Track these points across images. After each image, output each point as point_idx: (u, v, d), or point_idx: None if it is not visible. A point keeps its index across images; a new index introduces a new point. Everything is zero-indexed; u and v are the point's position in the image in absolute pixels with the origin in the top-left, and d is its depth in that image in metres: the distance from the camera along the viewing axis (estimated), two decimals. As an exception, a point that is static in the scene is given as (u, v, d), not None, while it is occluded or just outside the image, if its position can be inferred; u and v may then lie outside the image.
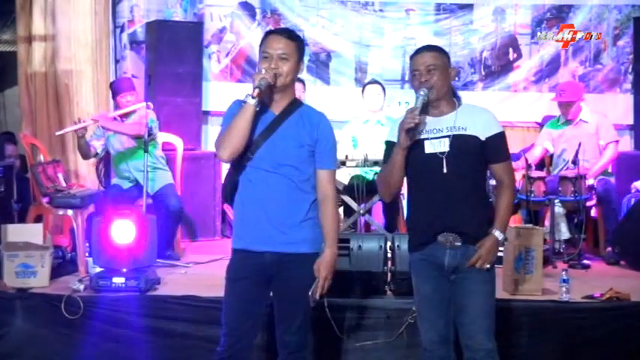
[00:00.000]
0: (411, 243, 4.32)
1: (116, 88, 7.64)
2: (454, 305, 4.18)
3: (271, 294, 4.22)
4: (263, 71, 3.98)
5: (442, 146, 4.07)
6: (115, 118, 7.33)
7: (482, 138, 4.10)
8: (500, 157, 4.18)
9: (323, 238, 4.16)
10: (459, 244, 4.09)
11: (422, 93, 4.04)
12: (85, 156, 7.53)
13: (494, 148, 4.15)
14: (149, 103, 7.25)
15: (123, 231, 5.96)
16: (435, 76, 4.09)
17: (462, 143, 4.06)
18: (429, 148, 4.09)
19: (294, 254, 4.07)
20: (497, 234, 4.13)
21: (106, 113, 7.35)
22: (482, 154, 4.13)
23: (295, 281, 4.09)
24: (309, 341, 4.29)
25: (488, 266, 4.10)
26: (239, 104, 4.05)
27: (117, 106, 7.67)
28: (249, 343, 4.20)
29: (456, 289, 4.16)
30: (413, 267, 4.33)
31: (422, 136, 4.10)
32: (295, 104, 4.14)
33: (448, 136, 4.07)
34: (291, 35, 4.12)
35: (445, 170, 4.04)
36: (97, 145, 7.54)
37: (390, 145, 4.21)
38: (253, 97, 3.93)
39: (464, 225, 4.09)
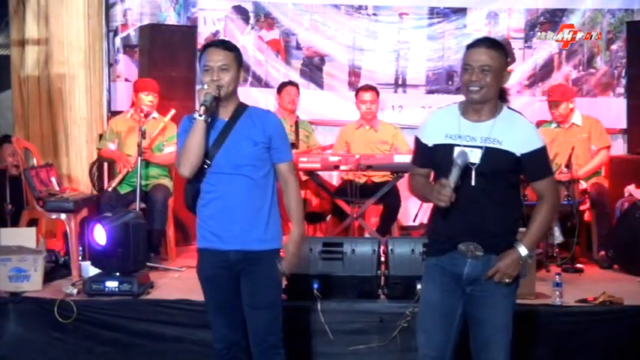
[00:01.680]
0: (429, 247, 4.12)
1: (141, 85, 7.75)
2: (470, 318, 3.96)
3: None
4: (205, 87, 4.15)
5: (473, 157, 3.79)
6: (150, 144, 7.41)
7: (518, 154, 3.81)
8: (539, 174, 3.91)
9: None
10: (481, 253, 3.83)
11: (459, 162, 3.73)
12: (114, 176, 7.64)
13: (533, 165, 3.87)
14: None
15: (100, 234, 5.94)
16: (488, 78, 3.81)
17: (494, 158, 3.79)
18: None
19: (258, 251, 4.19)
20: (521, 249, 3.87)
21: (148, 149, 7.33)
22: (517, 169, 3.87)
23: (261, 275, 4.21)
24: (282, 337, 4.32)
25: (508, 281, 3.87)
26: (189, 120, 4.21)
27: (133, 103, 7.78)
28: (241, 337, 4.32)
29: (472, 301, 3.92)
30: (426, 272, 4.07)
31: (453, 142, 3.84)
32: (242, 108, 4.28)
33: (481, 147, 3.80)
34: (229, 46, 4.26)
35: (473, 183, 3.78)
36: (113, 147, 7.65)
37: (418, 145, 4.03)
38: (200, 115, 4.09)
39: (488, 237, 3.84)
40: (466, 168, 3.78)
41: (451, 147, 3.84)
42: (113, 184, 7.40)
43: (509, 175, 3.89)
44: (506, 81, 3.96)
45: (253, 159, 4.17)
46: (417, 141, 4.06)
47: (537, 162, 3.90)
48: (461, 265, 3.91)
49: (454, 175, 3.73)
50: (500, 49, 3.92)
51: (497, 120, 3.87)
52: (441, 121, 3.96)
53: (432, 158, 3.95)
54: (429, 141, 3.95)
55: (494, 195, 3.85)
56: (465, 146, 3.82)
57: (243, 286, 4.24)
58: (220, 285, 4.26)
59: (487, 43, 3.93)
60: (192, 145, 4.11)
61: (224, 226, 4.18)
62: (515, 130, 3.87)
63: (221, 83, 4.15)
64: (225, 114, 4.24)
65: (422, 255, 5.57)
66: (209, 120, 4.14)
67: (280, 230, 4.33)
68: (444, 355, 3.98)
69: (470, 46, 3.95)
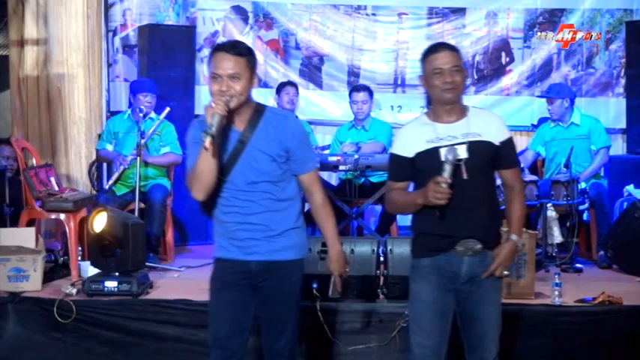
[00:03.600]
0: (420, 248, 4.08)
1: (137, 86, 7.75)
2: (464, 314, 4.05)
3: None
4: (212, 105, 3.76)
5: (460, 153, 3.88)
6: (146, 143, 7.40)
7: (497, 143, 3.98)
8: (510, 162, 4.08)
9: (308, 241, 4.22)
10: (480, 247, 3.93)
11: (450, 158, 3.81)
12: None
13: (507, 153, 4.04)
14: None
15: (100, 221, 5.96)
16: (459, 78, 3.95)
17: (478, 149, 3.92)
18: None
19: (279, 262, 3.97)
20: (516, 239, 4.03)
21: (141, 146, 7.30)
22: (495, 159, 4.01)
23: (281, 288, 4.02)
24: (297, 351, 4.19)
25: (506, 273, 4.02)
26: (200, 129, 3.82)
27: (132, 104, 7.76)
28: (240, 356, 4.08)
29: (468, 299, 4.01)
30: (417, 272, 4.07)
31: (436, 145, 3.92)
32: (258, 114, 3.93)
33: (464, 143, 3.91)
34: (240, 51, 3.84)
35: (465, 176, 3.85)
36: (110, 148, 7.65)
37: (397, 160, 4.07)
38: (207, 148, 3.71)
39: (484, 232, 3.96)
40: (456, 164, 3.85)
41: (436, 150, 3.93)
42: (110, 182, 7.41)
43: (491, 166, 4.03)
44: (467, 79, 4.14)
45: (271, 175, 3.90)
46: (394, 156, 4.09)
47: (510, 151, 4.07)
48: (458, 264, 3.96)
49: (447, 172, 3.81)
50: (459, 50, 4.07)
51: (470, 117, 4.01)
52: (416, 131, 4.04)
53: (414, 168, 4.01)
54: (410, 152, 4.01)
55: (484, 188, 3.98)
56: (448, 146, 3.90)
57: (262, 298, 4.03)
58: (234, 296, 4.01)
59: (447, 46, 4.06)
60: (204, 171, 3.80)
61: (244, 239, 3.94)
62: (489, 122, 4.02)
63: (231, 93, 3.77)
64: (239, 123, 3.90)
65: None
66: (219, 141, 3.79)
67: (305, 238, 4.11)
68: (441, 353, 4.03)
69: (432, 52, 4.01)
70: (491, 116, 4.11)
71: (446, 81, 3.91)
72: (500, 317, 4.07)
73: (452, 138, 3.94)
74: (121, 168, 7.35)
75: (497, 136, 3.99)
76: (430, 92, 4.02)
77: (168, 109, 7.44)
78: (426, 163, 3.95)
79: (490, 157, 3.98)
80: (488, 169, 4.02)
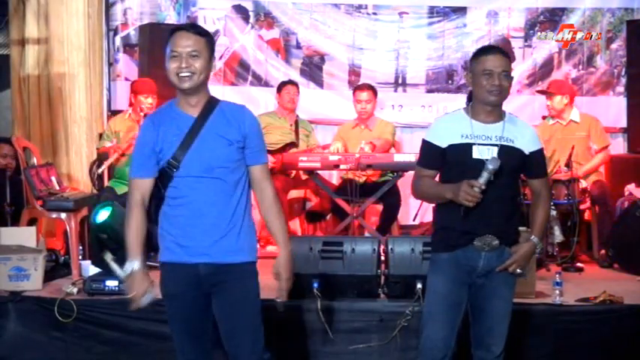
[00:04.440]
0: (439, 243, 4.20)
1: (139, 87, 7.70)
2: (475, 307, 4.19)
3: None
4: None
5: (490, 154, 4.02)
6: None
7: (527, 152, 4.12)
8: (540, 172, 4.25)
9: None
10: (497, 242, 4.05)
11: (490, 167, 3.93)
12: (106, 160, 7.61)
13: (537, 163, 4.21)
14: None
15: (104, 213, 5.93)
16: (506, 83, 4.07)
17: (508, 154, 4.05)
18: (477, 153, 4.04)
19: (230, 265, 3.81)
20: (535, 239, 4.19)
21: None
22: (522, 167, 4.17)
23: (237, 294, 3.84)
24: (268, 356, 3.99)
25: (519, 271, 4.15)
26: (151, 124, 3.89)
27: (132, 104, 7.72)
28: None
29: (481, 292, 4.16)
30: (435, 265, 4.21)
31: (470, 141, 4.06)
32: (213, 102, 3.87)
33: (496, 145, 4.05)
34: (200, 31, 3.82)
35: (492, 178, 3.96)
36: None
37: (429, 148, 4.16)
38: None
39: (502, 230, 4.10)
40: (483, 163, 3.96)
41: (469, 146, 4.06)
42: (103, 167, 7.39)
43: (518, 171, 4.17)
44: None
45: (227, 160, 3.78)
46: (427, 143, 4.19)
47: (540, 161, 4.24)
48: (476, 258, 4.10)
49: (484, 178, 3.93)
50: (509, 55, 4.19)
51: (506, 122, 4.15)
52: (453, 123, 4.16)
53: (444, 159, 4.12)
54: (443, 142, 4.11)
55: (506, 191, 4.10)
56: (481, 145, 4.04)
57: (218, 307, 3.88)
58: (188, 304, 3.88)
59: (499, 49, 4.20)
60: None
61: (192, 235, 3.79)
62: (523, 131, 4.18)
63: (191, 70, 3.73)
64: (194, 110, 3.82)
65: (422, 254, 5.59)
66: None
67: (255, 240, 3.96)
68: (450, 344, 4.15)
69: (485, 53, 4.13)
70: (525, 126, 4.24)
71: (494, 84, 4.03)
72: (510, 314, 4.19)
73: (486, 138, 4.07)
74: (115, 155, 7.31)
75: (528, 146, 4.14)
76: (475, 91, 4.13)
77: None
78: (456, 157, 4.07)
79: (517, 163, 4.11)
80: (514, 173, 4.15)
